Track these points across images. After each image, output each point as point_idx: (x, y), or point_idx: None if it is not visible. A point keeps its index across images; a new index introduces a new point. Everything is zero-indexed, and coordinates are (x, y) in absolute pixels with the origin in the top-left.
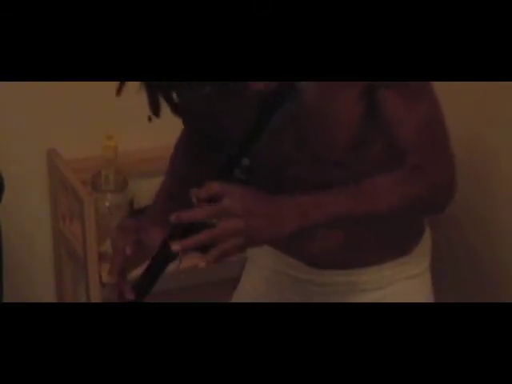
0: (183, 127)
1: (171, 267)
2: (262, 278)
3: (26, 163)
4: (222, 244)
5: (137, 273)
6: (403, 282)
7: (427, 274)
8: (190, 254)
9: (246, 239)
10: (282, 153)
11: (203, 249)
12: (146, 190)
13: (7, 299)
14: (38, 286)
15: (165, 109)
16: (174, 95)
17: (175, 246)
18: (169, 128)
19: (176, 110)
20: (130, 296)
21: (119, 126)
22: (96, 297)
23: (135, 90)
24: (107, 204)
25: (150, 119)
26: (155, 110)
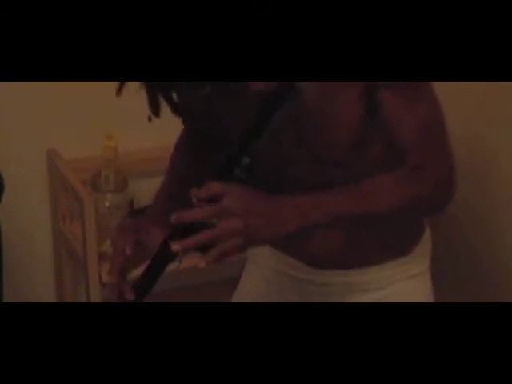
0: (183, 127)
1: (171, 267)
2: (262, 278)
3: (26, 163)
4: (221, 244)
5: (137, 273)
6: (403, 282)
7: (427, 273)
8: (190, 254)
9: (246, 239)
10: (282, 153)
11: (203, 249)
12: (146, 190)
13: (7, 299)
14: (37, 286)
15: (165, 109)
16: (174, 95)
17: (175, 246)
18: (169, 128)
19: (176, 109)
20: (129, 296)
21: (119, 126)
22: (96, 297)
23: (135, 90)
24: (107, 204)
25: (150, 119)
26: (155, 110)
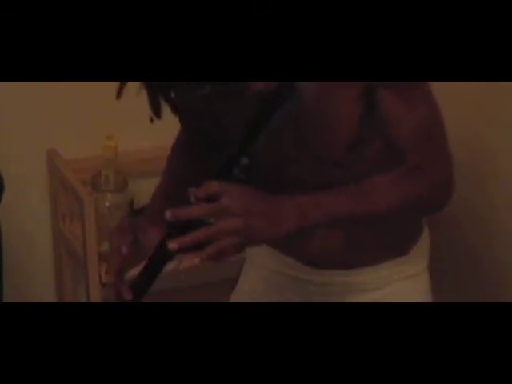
0: (181, 128)
1: (170, 267)
2: (261, 278)
3: (26, 163)
4: (218, 242)
5: (134, 272)
6: (401, 282)
7: (425, 273)
8: (190, 255)
9: (245, 238)
10: (282, 153)
11: (201, 248)
12: (146, 190)
13: (7, 299)
14: (37, 286)
15: (165, 109)
16: (174, 95)
17: (172, 244)
18: (169, 128)
19: (176, 110)
20: (127, 296)
21: (119, 126)
22: (96, 297)
23: (135, 91)
24: (107, 204)
25: (151, 120)
26: (156, 111)
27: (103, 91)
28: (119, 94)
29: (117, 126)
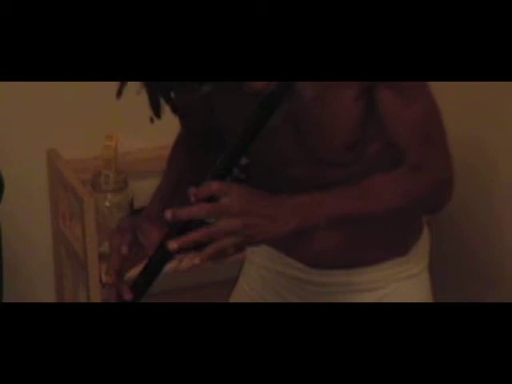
0: (181, 128)
1: (170, 267)
2: (260, 278)
3: (25, 163)
4: (217, 242)
5: (134, 272)
6: (401, 281)
7: (425, 273)
8: (190, 255)
9: (245, 238)
10: (282, 153)
11: (201, 249)
12: (146, 190)
13: (7, 299)
14: (37, 286)
15: (165, 109)
16: (174, 95)
17: (172, 244)
18: (169, 128)
19: (176, 110)
20: (127, 296)
21: (119, 126)
22: (96, 297)
23: (135, 91)
24: (107, 204)
25: (152, 121)
26: (156, 111)
27: (103, 91)
28: (119, 93)
29: (117, 126)
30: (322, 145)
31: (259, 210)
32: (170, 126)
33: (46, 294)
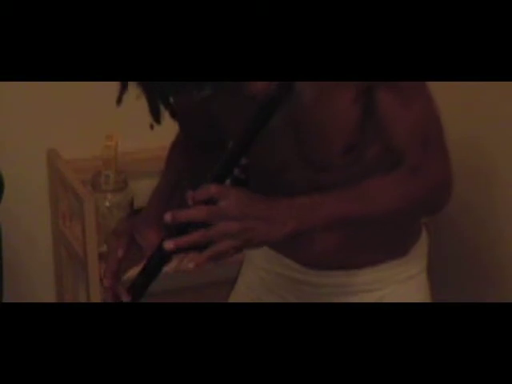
0: (179, 130)
1: (169, 268)
2: (259, 279)
3: (25, 163)
4: (215, 245)
5: (132, 274)
6: (400, 283)
7: (424, 275)
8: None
9: (243, 241)
10: (281, 155)
11: (199, 250)
12: (146, 190)
13: (7, 299)
14: (37, 286)
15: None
16: (173, 99)
17: (168, 245)
18: (169, 128)
19: (175, 114)
20: (124, 298)
21: (119, 126)
22: (96, 297)
23: (135, 95)
24: (107, 204)
25: (152, 127)
26: (156, 117)
27: (103, 91)
28: (119, 100)
29: (117, 126)
30: (321, 147)
31: (257, 213)
32: (170, 126)
33: (45, 294)
